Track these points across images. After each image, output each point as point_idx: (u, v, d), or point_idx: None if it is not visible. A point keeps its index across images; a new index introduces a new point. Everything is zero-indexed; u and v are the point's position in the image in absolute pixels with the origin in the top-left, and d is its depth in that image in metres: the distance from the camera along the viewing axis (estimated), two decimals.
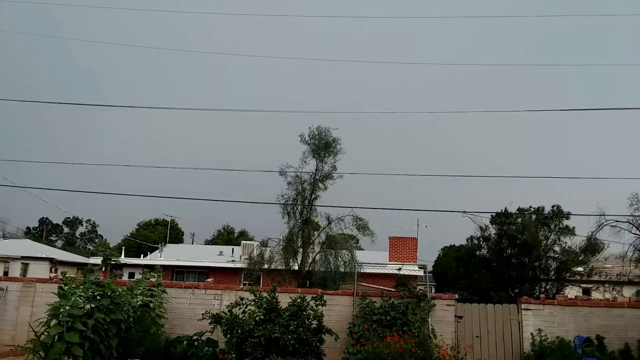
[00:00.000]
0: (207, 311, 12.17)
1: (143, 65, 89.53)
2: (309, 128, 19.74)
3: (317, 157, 19.80)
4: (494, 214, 20.95)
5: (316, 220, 20.30)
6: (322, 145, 19.67)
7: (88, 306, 9.93)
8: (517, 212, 21.27)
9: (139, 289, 12.30)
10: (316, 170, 19.81)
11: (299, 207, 19.76)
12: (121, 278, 21.66)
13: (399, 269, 19.66)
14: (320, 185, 19.75)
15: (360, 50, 76.50)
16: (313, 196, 19.84)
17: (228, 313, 11.77)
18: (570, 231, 20.56)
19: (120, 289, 11.20)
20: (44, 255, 34.69)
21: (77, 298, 9.89)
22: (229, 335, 11.54)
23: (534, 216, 21.20)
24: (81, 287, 10.22)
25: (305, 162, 19.81)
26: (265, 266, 20.91)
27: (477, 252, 22.20)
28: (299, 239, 20.04)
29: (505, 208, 21.04)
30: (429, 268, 30.26)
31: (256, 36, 79.80)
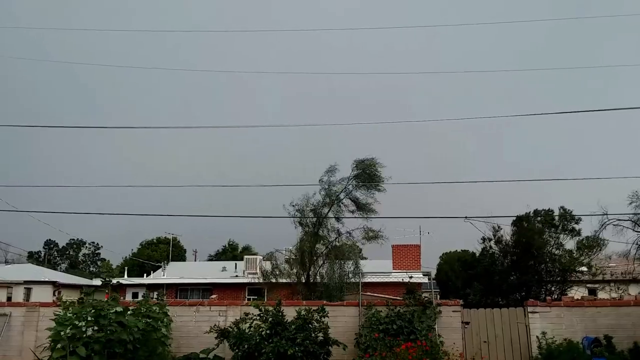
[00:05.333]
0: (213, 325, 12.15)
1: (139, 84, 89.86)
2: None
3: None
4: (514, 218, 20.85)
5: (324, 234, 20.25)
6: (366, 176, 19.48)
7: (90, 329, 9.88)
8: (532, 214, 21.23)
9: (142, 309, 12.24)
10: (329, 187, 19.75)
11: (310, 220, 19.77)
12: (123, 298, 21.58)
13: (410, 277, 19.64)
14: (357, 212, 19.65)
15: (369, 63, 76.48)
16: (327, 210, 19.85)
17: (235, 327, 11.76)
18: (577, 233, 20.60)
19: (122, 309, 11.15)
20: (47, 279, 34.55)
21: (78, 321, 9.84)
22: (236, 350, 11.51)
23: (539, 219, 21.20)
24: (81, 310, 10.17)
25: (330, 175, 19.79)
26: (272, 280, 20.84)
27: (486, 254, 22.07)
28: (307, 251, 20.02)
29: (527, 213, 21.01)
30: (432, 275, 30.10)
31: (253, 49, 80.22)
